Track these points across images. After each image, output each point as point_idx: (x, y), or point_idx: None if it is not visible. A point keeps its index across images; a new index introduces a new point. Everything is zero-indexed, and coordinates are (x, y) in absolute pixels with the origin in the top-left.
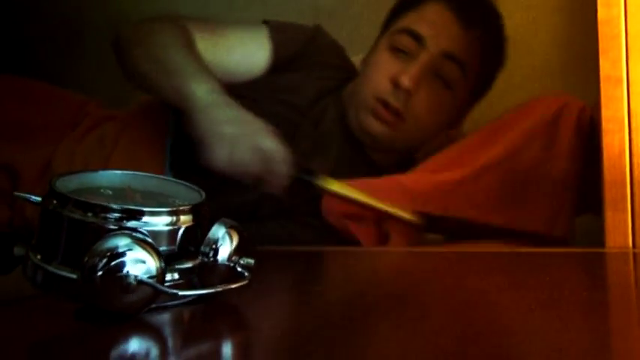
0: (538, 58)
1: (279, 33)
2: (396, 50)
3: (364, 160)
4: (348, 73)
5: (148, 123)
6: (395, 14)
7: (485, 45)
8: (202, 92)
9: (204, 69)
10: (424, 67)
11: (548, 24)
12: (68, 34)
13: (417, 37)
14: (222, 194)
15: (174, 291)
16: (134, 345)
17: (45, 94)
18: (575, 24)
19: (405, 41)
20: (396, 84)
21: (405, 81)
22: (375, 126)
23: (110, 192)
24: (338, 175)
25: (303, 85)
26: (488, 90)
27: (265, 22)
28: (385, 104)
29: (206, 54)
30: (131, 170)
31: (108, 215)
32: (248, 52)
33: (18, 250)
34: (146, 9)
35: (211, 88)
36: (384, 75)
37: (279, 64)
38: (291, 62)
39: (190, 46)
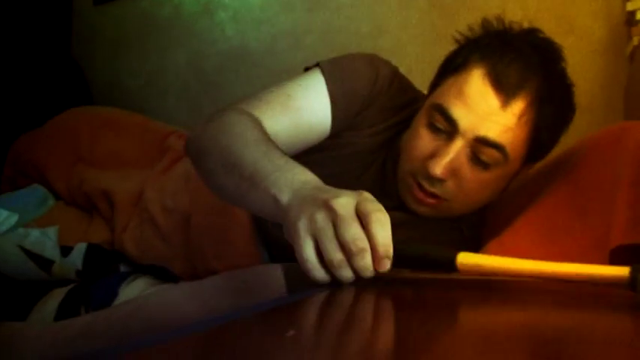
0: (583, 96)
1: (341, 92)
2: (433, 127)
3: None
4: (411, 110)
5: None
6: (440, 75)
7: (535, 115)
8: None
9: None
10: (456, 154)
11: (592, 64)
12: (151, 68)
13: (450, 120)
14: None
15: None
16: None
17: (136, 125)
18: (618, 63)
19: (440, 121)
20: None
21: (436, 170)
22: (414, 205)
23: None
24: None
25: (358, 142)
26: (548, 152)
27: (319, 66)
28: (420, 186)
29: (282, 134)
30: None
31: None
32: (313, 124)
33: (124, 268)
34: (222, 47)
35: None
36: (419, 154)
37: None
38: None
39: (262, 138)
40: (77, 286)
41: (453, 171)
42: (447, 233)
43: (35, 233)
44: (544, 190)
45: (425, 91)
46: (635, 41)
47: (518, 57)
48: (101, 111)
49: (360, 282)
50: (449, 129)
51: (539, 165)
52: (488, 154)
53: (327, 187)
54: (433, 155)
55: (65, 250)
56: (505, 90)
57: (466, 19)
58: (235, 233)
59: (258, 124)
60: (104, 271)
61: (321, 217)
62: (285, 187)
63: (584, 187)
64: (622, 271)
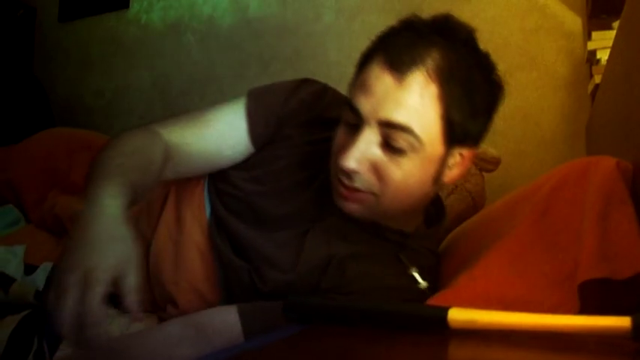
0: (546, 130)
1: (256, 106)
2: (346, 124)
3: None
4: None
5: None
6: (356, 75)
7: (440, 93)
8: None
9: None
10: (366, 144)
11: (554, 100)
12: (115, 88)
13: (355, 111)
14: None
15: None
16: None
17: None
18: (579, 100)
19: (349, 116)
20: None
21: (345, 162)
22: (345, 206)
23: None
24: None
25: (288, 154)
26: (475, 133)
27: (249, 94)
28: (343, 184)
29: (187, 142)
30: None
31: None
32: (226, 136)
33: None
34: (188, 70)
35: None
36: (335, 152)
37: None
38: (274, 134)
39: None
40: (31, 314)
41: (370, 162)
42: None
43: (0, 250)
44: (513, 223)
45: None
46: (596, 79)
47: (415, 37)
48: (78, 133)
49: None
50: (356, 121)
51: (506, 197)
52: (398, 138)
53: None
54: (341, 151)
55: (30, 269)
56: (398, 67)
57: None
58: (192, 258)
59: (139, 144)
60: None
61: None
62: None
63: (552, 221)
64: (623, 321)
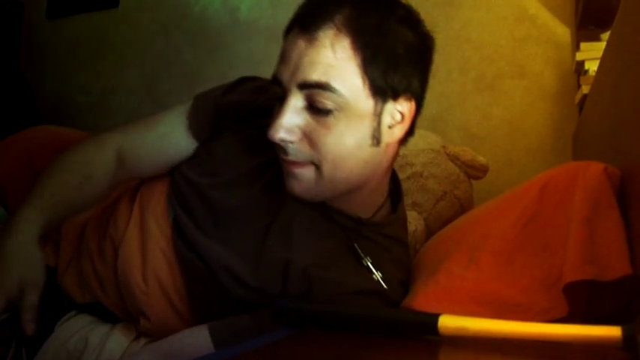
0: (533, 138)
1: (197, 103)
2: (278, 100)
3: (331, 216)
4: None
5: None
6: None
7: (353, 46)
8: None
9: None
10: (292, 111)
11: (542, 109)
12: (103, 87)
13: (277, 82)
14: None
15: None
16: None
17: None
18: (567, 109)
19: (277, 91)
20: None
21: (273, 134)
22: (292, 187)
23: None
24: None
25: (233, 144)
26: (402, 84)
27: (194, 97)
28: (286, 160)
29: (131, 146)
30: None
31: None
32: (169, 135)
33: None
34: (177, 70)
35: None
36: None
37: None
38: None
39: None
40: (11, 317)
41: (301, 131)
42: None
43: None
44: (502, 226)
45: None
46: (584, 90)
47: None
48: (64, 132)
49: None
50: (281, 92)
51: (496, 199)
52: (320, 98)
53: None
54: (273, 122)
55: None
56: (308, 28)
57: None
58: (160, 267)
59: (81, 159)
60: (45, 301)
61: None
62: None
63: (541, 225)
64: (613, 331)
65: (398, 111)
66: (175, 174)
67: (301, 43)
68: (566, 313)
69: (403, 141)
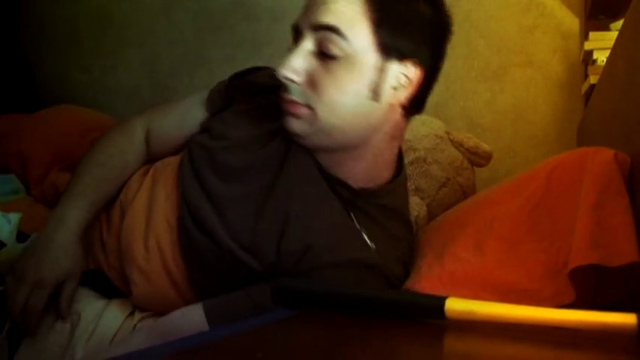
0: (538, 128)
1: (212, 89)
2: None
3: (321, 175)
4: None
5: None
6: None
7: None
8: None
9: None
10: (300, 52)
11: (547, 98)
12: (103, 64)
13: (295, 27)
14: None
15: None
16: None
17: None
18: (573, 99)
19: (295, 38)
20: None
21: (283, 71)
22: (288, 124)
23: None
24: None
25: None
26: (419, 42)
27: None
28: (284, 99)
29: (155, 127)
30: None
31: None
32: (186, 114)
33: None
34: (178, 50)
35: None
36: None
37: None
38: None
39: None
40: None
41: (307, 74)
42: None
43: None
44: (508, 210)
45: None
46: (591, 80)
47: None
48: (92, 115)
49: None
50: (296, 37)
51: (503, 183)
52: (329, 43)
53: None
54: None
55: (22, 237)
56: None
57: None
58: (162, 235)
59: (116, 151)
60: None
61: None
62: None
63: (548, 210)
64: (628, 318)
65: (403, 74)
66: (190, 142)
67: None
68: (574, 299)
69: (409, 113)
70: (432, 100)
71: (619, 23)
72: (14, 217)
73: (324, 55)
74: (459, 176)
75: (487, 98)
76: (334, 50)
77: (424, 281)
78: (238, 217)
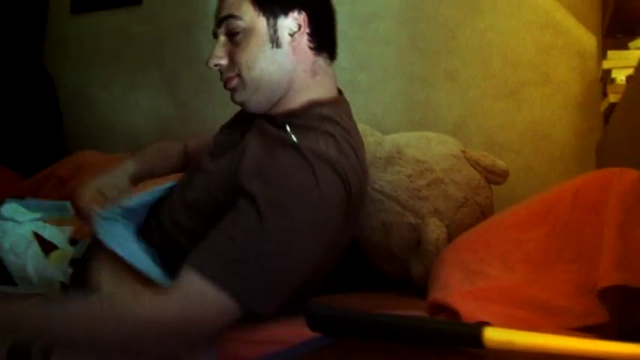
0: (556, 146)
1: None
2: None
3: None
4: None
5: None
6: None
7: None
8: None
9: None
10: (216, 47)
11: (565, 117)
12: (124, 83)
13: (215, 34)
14: None
15: None
16: None
17: None
18: (591, 118)
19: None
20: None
21: (209, 63)
22: (234, 96)
23: None
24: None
25: None
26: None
27: None
28: (223, 79)
29: (191, 143)
30: None
31: None
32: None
33: None
34: (198, 69)
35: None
36: None
37: None
38: None
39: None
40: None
41: (227, 55)
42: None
43: (52, 228)
44: (536, 232)
45: (400, 131)
46: (610, 98)
47: None
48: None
49: None
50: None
51: (526, 204)
52: (230, 26)
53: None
54: None
55: (74, 242)
56: None
57: (446, 62)
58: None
59: (162, 146)
60: None
61: None
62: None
63: (574, 231)
64: None
65: (292, 22)
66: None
67: (219, 1)
68: (606, 320)
69: (319, 49)
70: (449, 118)
71: (638, 42)
72: (68, 229)
73: (232, 35)
74: (477, 196)
75: (505, 117)
76: (236, 29)
77: (456, 295)
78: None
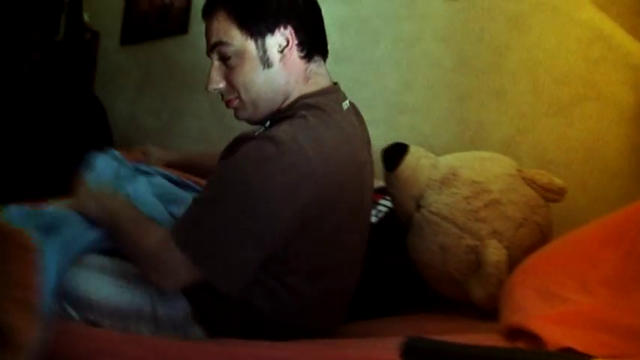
0: (610, 162)
1: None
2: None
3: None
4: None
5: None
6: None
7: (224, 12)
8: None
9: None
10: (213, 70)
11: (619, 132)
12: (172, 110)
13: (208, 55)
14: None
15: None
16: None
17: None
18: None
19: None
20: None
21: (208, 88)
22: (237, 114)
23: None
24: None
25: None
26: (256, 17)
27: None
28: (225, 101)
29: None
30: None
31: None
32: None
33: None
34: None
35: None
36: None
37: None
38: None
39: None
40: None
41: (224, 79)
42: None
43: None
44: (612, 256)
45: (450, 151)
46: None
47: None
48: None
49: None
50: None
51: (598, 224)
52: (222, 51)
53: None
54: None
55: None
56: (204, 16)
57: (493, 80)
58: None
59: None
60: None
61: None
62: None
63: None
64: None
65: (280, 38)
66: None
67: (206, 26)
68: None
69: (309, 55)
70: (499, 136)
71: None
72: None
73: (224, 59)
74: (535, 215)
75: (556, 133)
76: (227, 54)
77: (536, 320)
78: None
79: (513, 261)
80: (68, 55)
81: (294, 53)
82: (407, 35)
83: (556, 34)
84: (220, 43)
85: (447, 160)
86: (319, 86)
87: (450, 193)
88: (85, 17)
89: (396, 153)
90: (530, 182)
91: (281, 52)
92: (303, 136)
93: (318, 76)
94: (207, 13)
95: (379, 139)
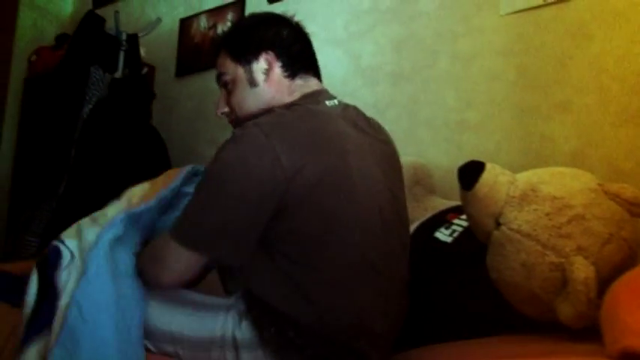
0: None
1: None
2: None
3: None
4: None
5: None
6: None
7: (226, 48)
8: None
9: None
10: (220, 99)
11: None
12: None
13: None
14: None
15: None
16: None
17: None
18: None
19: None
20: None
21: (217, 113)
22: (234, 128)
23: None
24: None
25: None
26: (244, 48)
27: None
28: (228, 121)
29: None
30: None
31: None
32: None
33: None
34: None
35: None
36: None
37: None
38: None
39: None
40: None
41: (227, 105)
42: None
43: None
44: None
45: (515, 166)
46: None
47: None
48: None
49: None
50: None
51: None
52: (223, 80)
53: None
54: None
55: None
56: (215, 55)
57: (557, 92)
58: None
59: None
60: None
61: None
62: None
63: None
64: None
65: (265, 62)
66: None
67: (215, 63)
68: None
69: (293, 73)
70: (566, 148)
71: None
72: None
73: (225, 87)
74: (622, 230)
75: (627, 143)
76: (225, 81)
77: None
78: None
79: (602, 278)
80: (128, 90)
81: (278, 73)
82: (464, 52)
83: (622, 41)
84: (221, 74)
85: (525, 177)
86: (302, 95)
87: (531, 210)
88: (142, 52)
89: (472, 171)
90: (614, 196)
91: (265, 73)
92: (263, 119)
93: (304, 87)
94: (215, 54)
95: (442, 159)
